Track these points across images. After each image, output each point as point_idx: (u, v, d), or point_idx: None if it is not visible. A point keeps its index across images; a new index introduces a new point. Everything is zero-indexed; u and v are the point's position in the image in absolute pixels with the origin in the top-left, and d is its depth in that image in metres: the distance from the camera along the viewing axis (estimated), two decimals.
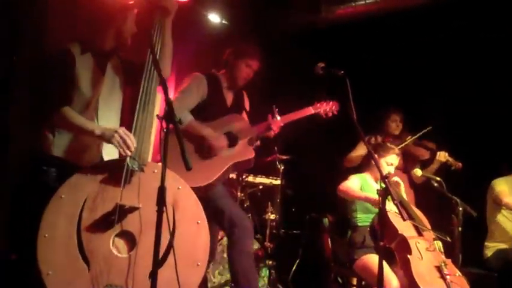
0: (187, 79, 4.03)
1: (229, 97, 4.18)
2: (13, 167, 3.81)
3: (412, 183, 5.42)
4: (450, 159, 5.30)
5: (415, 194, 5.37)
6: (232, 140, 3.97)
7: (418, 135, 5.41)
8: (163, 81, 2.71)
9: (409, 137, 5.43)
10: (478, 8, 5.41)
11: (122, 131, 2.86)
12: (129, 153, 2.84)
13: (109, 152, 3.16)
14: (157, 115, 2.96)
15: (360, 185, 4.47)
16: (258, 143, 4.42)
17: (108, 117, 3.18)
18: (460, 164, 5.29)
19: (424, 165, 5.37)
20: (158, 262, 2.50)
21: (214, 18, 5.90)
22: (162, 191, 2.51)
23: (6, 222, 3.78)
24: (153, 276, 2.46)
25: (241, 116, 4.16)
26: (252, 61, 4.12)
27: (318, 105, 4.28)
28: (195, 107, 3.96)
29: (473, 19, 5.55)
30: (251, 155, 3.98)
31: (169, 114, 2.56)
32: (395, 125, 5.57)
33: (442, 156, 5.28)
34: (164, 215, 2.53)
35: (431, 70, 5.96)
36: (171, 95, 3.72)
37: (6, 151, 3.93)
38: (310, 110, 4.27)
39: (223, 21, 5.96)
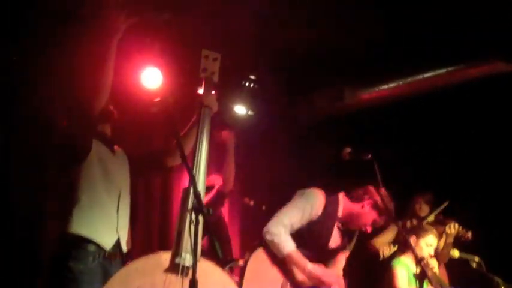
0: (301, 193, 3.62)
1: (335, 235, 3.68)
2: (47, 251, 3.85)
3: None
4: (460, 229, 5.20)
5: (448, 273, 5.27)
6: None
7: (436, 211, 5.41)
8: (191, 173, 2.75)
9: (429, 215, 5.42)
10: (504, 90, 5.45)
11: None
12: None
13: (123, 226, 3.19)
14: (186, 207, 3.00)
15: (408, 278, 4.31)
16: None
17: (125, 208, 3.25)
18: (469, 234, 5.18)
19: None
20: None
21: (240, 109, 6.02)
22: (194, 285, 2.48)
23: None
24: None
25: (339, 277, 3.63)
26: (379, 219, 3.67)
27: None
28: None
29: (499, 100, 5.58)
30: None
31: (197, 206, 2.57)
32: (425, 207, 5.58)
33: (452, 227, 5.19)
34: None
35: (458, 150, 5.93)
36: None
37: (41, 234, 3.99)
38: None
39: (249, 112, 6.07)
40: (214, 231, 2.61)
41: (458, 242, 5.22)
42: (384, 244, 5.33)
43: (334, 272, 3.59)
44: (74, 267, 2.93)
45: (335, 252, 3.68)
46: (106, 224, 3.11)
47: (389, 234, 5.28)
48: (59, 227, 3.04)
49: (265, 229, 3.42)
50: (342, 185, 3.78)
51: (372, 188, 3.59)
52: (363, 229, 3.66)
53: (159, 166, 3.51)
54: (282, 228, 3.41)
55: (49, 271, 3.04)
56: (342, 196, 3.68)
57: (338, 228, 3.66)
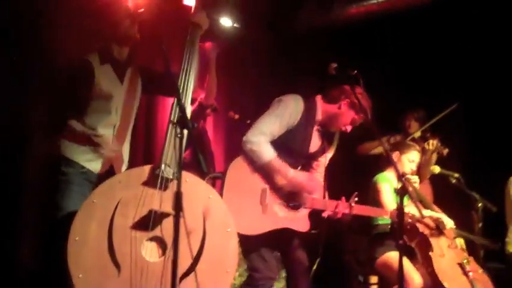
0: (279, 100, 3.55)
1: (315, 138, 3.68)
2: (33, 170, 3.87)
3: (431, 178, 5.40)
4: (438, 146, 5.27)
5: (433, 189, 5.37)
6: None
7: (423, 128, 5.45)
8: (176, 86, 2.73)
9: (418, 131, 5.47)
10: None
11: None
12: None
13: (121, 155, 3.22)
14: (171, 120, 3.00)
15: (391, 192, 4.37)
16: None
17: (124, 126, 3.26)
18: (445, 151, 5.25)
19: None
20: (177, 270, 2.51)
21: (226, 21, 5.90)
22: (178, 197, 2.52)
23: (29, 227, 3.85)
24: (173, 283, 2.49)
25: (319, 181, 3.65)
26: (358, 117, 3.61)
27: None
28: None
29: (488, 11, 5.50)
30: (304, 229, 3.53)
31: (182, 119, 2.57)
32: (414, 124, 5.62)
33: (431, 144, 5.25)
34: (193, 222, 2.69)
35: (447, 64, 5.90)
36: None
37: (26, 153, 4.00)
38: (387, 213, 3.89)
39: (235, 25, 5.96)
40: (197, 145, 2.63)
41: (439, 160, 5.29)
42: (370, 147, 5.41)
43: (315, 177, 3.63)
44: (66, 170, 3.04)
45: (316, 156, 3.71)
46: (98, 154, 3.14)
47: (376, 144, 5.34)
48: (52, 148, 3.10)
49: (244, 138, 3.40)
50: (318, 89, 3.76)
51: (347, 87, 3.54)
52: (343, 129, 3.65)
53: (164, 90, 3.50)
54: (261, 136, 3.39)
55: (41, 178, 3.19)
56: (319, 99, 3.66)
57: (318, 131, 3.66)
